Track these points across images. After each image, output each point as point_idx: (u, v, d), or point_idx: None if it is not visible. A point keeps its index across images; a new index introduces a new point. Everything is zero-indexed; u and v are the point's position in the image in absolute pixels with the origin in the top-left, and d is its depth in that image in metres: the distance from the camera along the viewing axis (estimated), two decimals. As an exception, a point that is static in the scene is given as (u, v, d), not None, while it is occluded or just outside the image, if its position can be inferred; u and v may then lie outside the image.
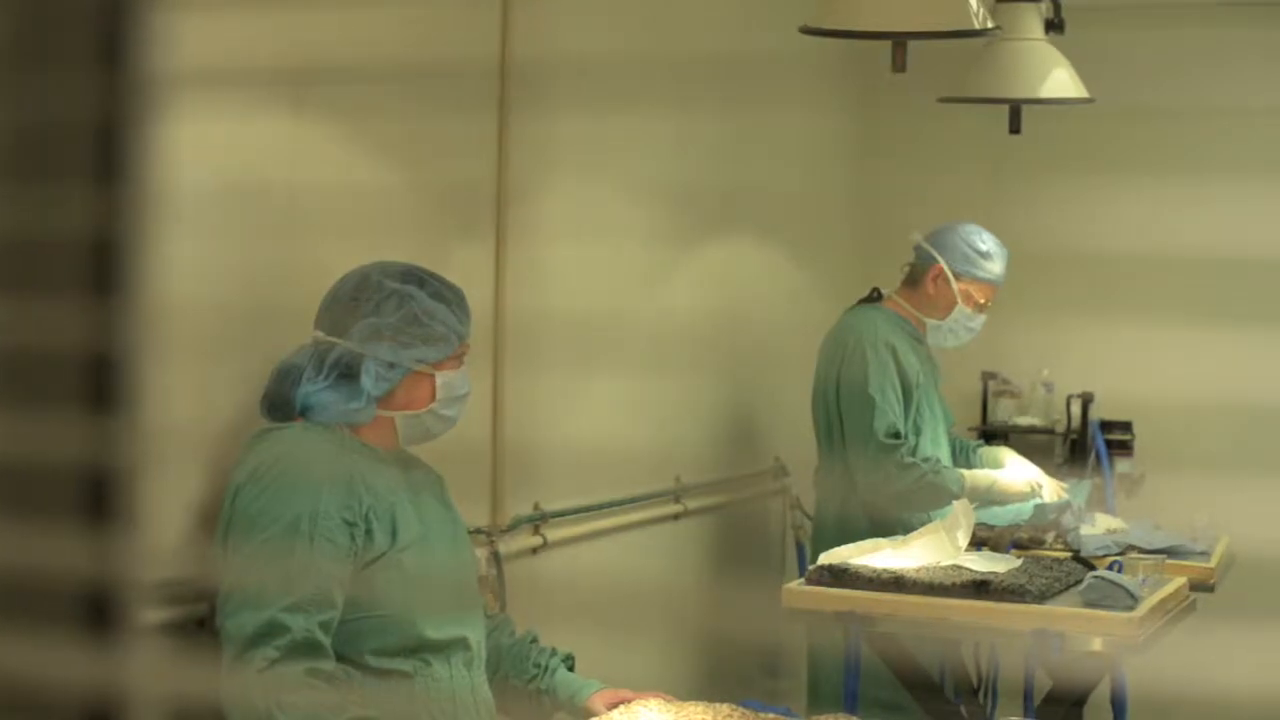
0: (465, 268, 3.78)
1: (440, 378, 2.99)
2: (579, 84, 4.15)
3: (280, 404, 2.99)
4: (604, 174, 4.41)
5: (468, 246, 3.85)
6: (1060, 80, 4.55)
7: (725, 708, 3.03)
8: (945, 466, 4.67)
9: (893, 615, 3.83)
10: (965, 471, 4.68)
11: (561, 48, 4.08)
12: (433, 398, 2.99)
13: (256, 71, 3.19)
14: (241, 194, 3.19)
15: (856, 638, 3.89)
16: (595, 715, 3.08)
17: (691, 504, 4.88)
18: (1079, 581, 3.85)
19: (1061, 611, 3.71)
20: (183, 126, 3.00)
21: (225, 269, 3.14)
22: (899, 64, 3.51)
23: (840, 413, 4.66)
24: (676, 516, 4.82)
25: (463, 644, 3.00)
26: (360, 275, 3.01)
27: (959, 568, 3.98)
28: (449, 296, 3.00)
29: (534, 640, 3.25)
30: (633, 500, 4.57)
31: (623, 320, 4.53)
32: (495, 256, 3.92)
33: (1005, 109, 4.70)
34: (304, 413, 2.98)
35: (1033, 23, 4.56)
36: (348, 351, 2.95)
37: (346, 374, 2.95)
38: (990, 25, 3.58)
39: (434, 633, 2.95)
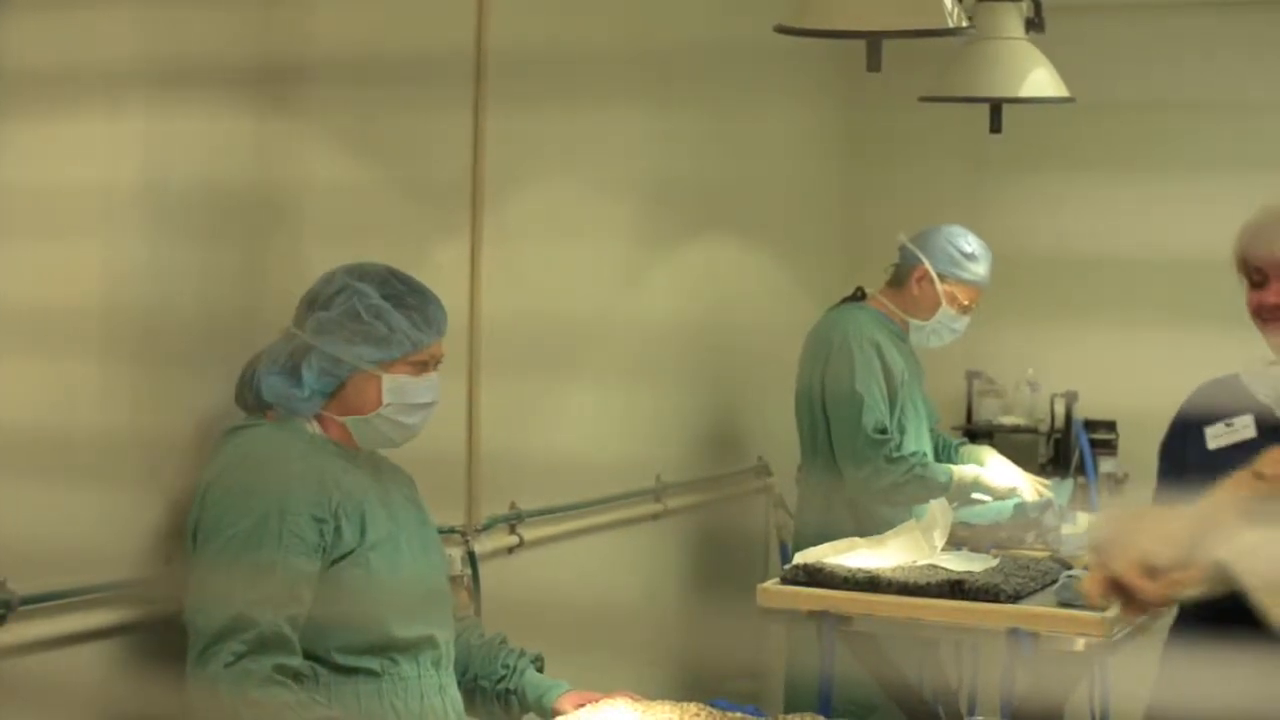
0: (442, 267, 3.77)
1: (388, 381, 2.97)
2: (558, 79, 4.14)
3: (243, 386, 3.03)
4: (584, 172, 4.39)
5: (444, 246, 3.85)
6: (1040, 79, 4.54)
7: (693, 707, 3.02)
8: (932, 461, 4.68)
9: (867, 615, 3.83)
10: (951, 466, 4.69)
11: (539, 41, 4.07)
12: (380, 401, 2.98)
13: (236, 69, 3.18)
14: (219, 194, 3.19)
15: (831, 637, 3.88)
16: (563, 715, 3.07)
17: (672, 503, 4.87)
18: (1055, 581, 3.85)
19: (1034, 611, 3.71)
20: (155, 125, 3.02)
21: (205, 270, 3.15)
22: (874, 63, 3.50)
23: (826, 410, 4.66)
24: (657, 516, 4.81)
25: (431, 643, 3.00)
26: (330, 272, 3.05)
27: (935, 567, 3.98)
28: (408, 300, 2.99)
29: (503, 641, 3.25)
30: (611, 499, 4.56)
31: (604, 320, 4.52)
32: (471, 256, 3.91)
33: (988, 108, 4.69)
34: (258, 395, 3.00)
35: (1013, 22, 4.55)
36: (303, 343, 2.96)
37: (299, 364, 2.97)
38: (965, 24, 3.56)
39: (402, 631, 2.94)
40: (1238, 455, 2.85)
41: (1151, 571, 2.57)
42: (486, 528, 3.98)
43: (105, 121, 2.93)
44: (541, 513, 4.20)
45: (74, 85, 2.85)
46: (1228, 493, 2.66)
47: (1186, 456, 3.01)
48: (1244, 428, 2.99)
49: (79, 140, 2.89)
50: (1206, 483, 2.77)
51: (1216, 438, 3.02)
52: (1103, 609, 3.07)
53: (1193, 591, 2.59)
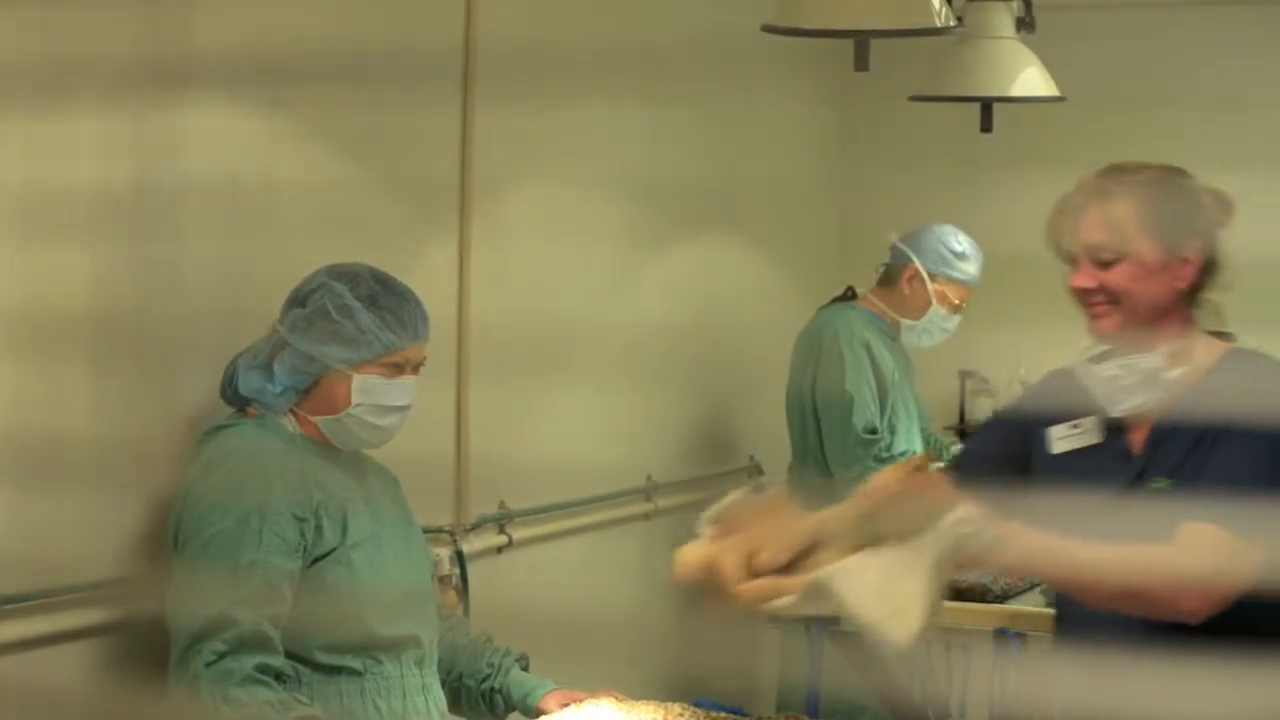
0: (431, 267, 3.78)
1: (358, 381, 2.96)
2: (547, 76, 4.13)
3: (225, 380, 3.04)
4: (574, 171, 4.39)
5: (433, 246, 3.84)
6: (1031, 78, 4.53)
7: (677, 707, 3.02)
8: (922, 463, 4.68)
9: (853, 615, 3.82)
10: (943, 465, 4.68)
11: (530, 38, 4.06)
12: (349, 401, 2.97)
13: (226, 68, 3.18)
14: (207, 194, 3.19)
15: (820, 638, 3.88)
16: (547, 715, 3.07)
17: (663, 503, 4.86)
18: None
19: (1022, 611, 3.71)
20: (145, 124, 3.01)
21: (192, 271, 3.15)
22: (861, 63, 3.49)
23: (816, 410, 4.67)
24: (648, 516, 4.80)
25: (414, 642, 3.00)
26: (315, 271, 3.04)
27: (924, 567, 3.97)
28: (383, 301, 2.98)
29: (488, 640, 3.25)
30: (602, 499, 4.55)
31: (594, 319, 4.51)
32: (459, 255, 3.91)
33: (979, 106, 4.69)
34: (236, 390, 3.01)
35: (1004, 21, 4.54)
36: (281, 340, 2.97)
37: (275, 360, 2.98)
38: (952, 23, 3.55)
39: (384, 630, 2.94)
40: (1081, 461, 2.70)
41: (754, 567, 2.41)
42: (475, 527, 3.98)
43: (95, 120, 2.93)
44: (531, 512, 4.19)
45: (61, 83, 2.85)
46: (848, 507, 2.47)
47: (1030, 458, 2.75)
48: (1089, 431, 2.73)
49: (67, 139, 2.88)
50: (1051, 489, 2.63)
51: (1061, 440, 2.76)
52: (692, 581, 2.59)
53: (785, 601, 2.40)
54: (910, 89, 4.76)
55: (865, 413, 4.57)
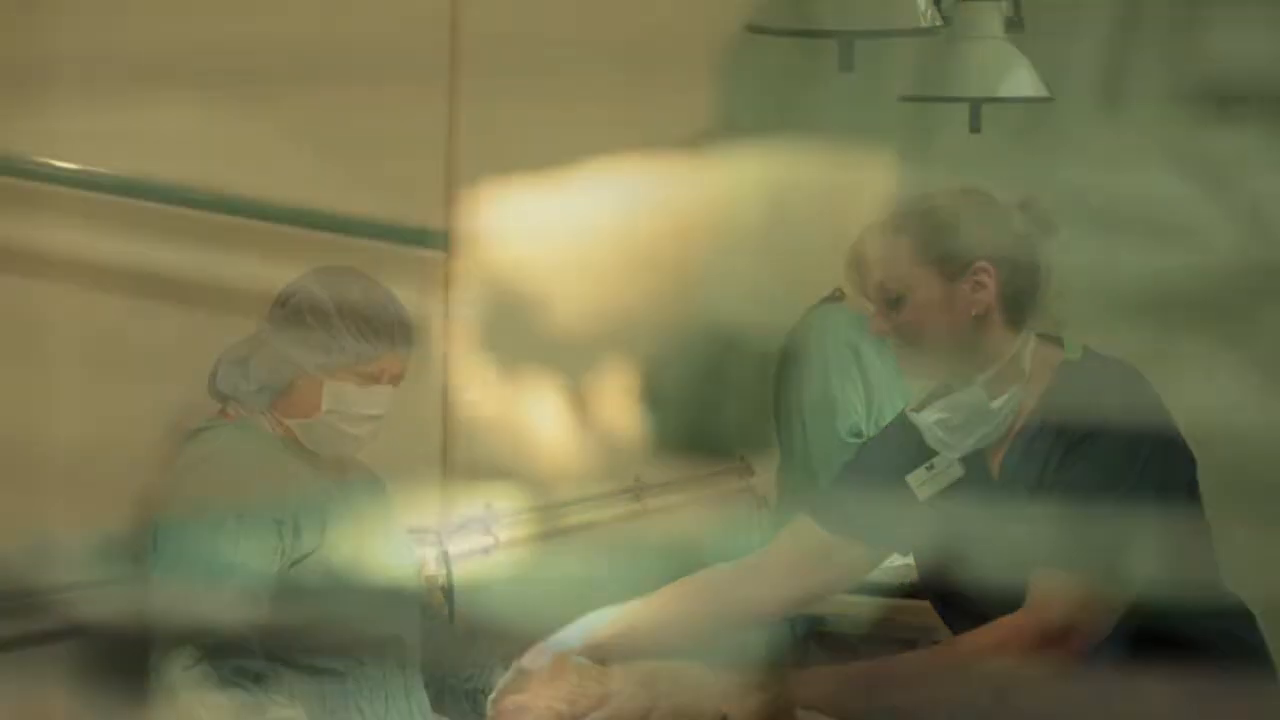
0: (417, 267, 3.77)
1: (329, 387, 2.95)
2: (536, 74, 4.12)
3: (211, 375, 3.04)
4: (562, 169, 4.37)
5: (418, 246, 3.84)
6: (1020, 79, 4.53)
7: (663, 706, 3.01)
8: (910, 463, 4.67)
9: (839, 615, 3.82)
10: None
11: (516, 34, 4.05)
12: (320, 407, 2.95)
13: (212, 66, 3.18)
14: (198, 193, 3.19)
15: (805, 638, 3.88)
16: (531, 714, 3.07)
17: (652, 503, 4.85)
18: (1030, 582, 3.83)
19: (1008, 612, 3.69)
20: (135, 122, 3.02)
21: (182, 272, 3.14)
22: (846, 63, 3.49)
23: (802, 412, 4.65)
24: (636, 516, 4.79)
25: (396, 643, 3.00)
26: (306, 271, 3.04)
27: (910, 567, 3.96)
28: (363, 309, 2.96)
29: (473, 640, 3.25)
30: (589, 499, 4.54)
31: (582, 315, 4.50)
32: (445, 255, 3.90)
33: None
34: (216, 385, 3.01)
35: (992, 20, 4.54)
36: (265, 338, 2.98)
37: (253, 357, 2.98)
38: (938, 23, 3.55)
39: (366, 632, 2.94)
40: (950, 499, 2.62)
41: None
42: (461, 528, 3.97)
43: (85, 118, 2.93)
44: (518, 513, 4.18)
45: (54, 77, 2.85)
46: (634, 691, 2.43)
47: (895, 514, 2.67)
48: (948, 467, 2.64)
49: (58, 137, 2.88)
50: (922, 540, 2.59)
51: (924, 486, 2.66)
52: None
53: None
54: (899, 89, 4.76)
55: (849, 417, 4.56)
